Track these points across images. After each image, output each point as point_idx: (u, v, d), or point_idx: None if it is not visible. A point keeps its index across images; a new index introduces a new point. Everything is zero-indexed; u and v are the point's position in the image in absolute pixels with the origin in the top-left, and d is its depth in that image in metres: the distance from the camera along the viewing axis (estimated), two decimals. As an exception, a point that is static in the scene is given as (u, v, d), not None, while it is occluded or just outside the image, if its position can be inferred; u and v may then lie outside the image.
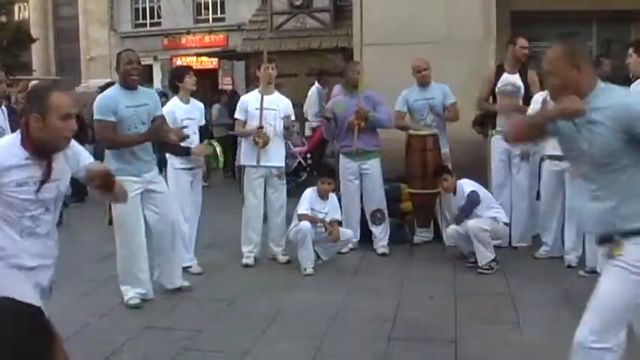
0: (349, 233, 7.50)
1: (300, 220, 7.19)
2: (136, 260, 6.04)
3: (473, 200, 7.03)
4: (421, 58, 7.91)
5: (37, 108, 3.39)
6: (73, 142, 3.64)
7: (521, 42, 7.78)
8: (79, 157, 3.73)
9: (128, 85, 6.01)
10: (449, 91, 7.89)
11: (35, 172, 3.45)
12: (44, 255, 3.63)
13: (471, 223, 6.93)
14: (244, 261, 7.38)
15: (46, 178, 3.47)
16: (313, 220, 7.19)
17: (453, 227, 7.25)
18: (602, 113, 3.21)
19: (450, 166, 7.62)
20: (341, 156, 7.97)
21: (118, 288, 6.14)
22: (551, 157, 7.24)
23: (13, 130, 5.58)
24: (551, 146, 7.15)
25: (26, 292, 3.27)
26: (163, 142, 6.45)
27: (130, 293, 5.99)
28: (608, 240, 3.31)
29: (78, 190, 11.85)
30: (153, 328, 5.49)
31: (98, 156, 5.42)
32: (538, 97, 6.98)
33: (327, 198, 7.39)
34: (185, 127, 6.62)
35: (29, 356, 1.17)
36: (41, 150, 3.45)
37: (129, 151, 5.96)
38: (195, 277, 6.84)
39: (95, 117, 5.99)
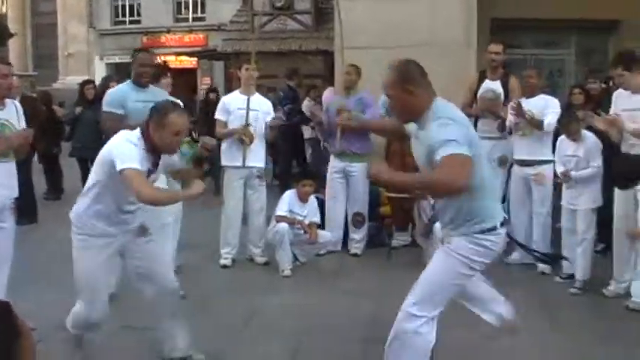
0: (327, 235, 7.50)
1: (278, 221, 7.18)
2: None
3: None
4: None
5: (156, 122, 4.18)
6: None
7: (491, 47, 7.80)
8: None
9: (140, 83, 6.22)
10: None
11: (147, 163, 4.22)
12: (132, 221, 4.47)
13: (437, 226, 6.91)
14: (222, 262, 7.37)
15: (154, 168, 4.33)
16: (291, 222, 7.18)
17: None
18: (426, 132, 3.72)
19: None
20: (331, 156, 7.99)
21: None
22: (520, 163, 7.30)
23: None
24: (524, 151, 7.24)
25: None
26: None
27: None
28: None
29: (54, 187, 11.77)
30: (129, 327, 5.44)
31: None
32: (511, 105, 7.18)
33: (307, 201, 7.39)
34: None
35: None
36: (156, 149, 4.25)
37: None
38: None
39: (104, 109, 6.27)
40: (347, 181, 7.90)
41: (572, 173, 6.56)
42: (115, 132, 6.05)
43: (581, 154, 6.59)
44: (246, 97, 7.33)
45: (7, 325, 1.21)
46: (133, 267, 4.52)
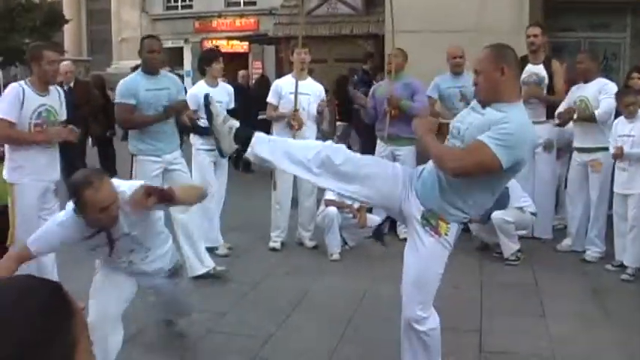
0: (377, 219, 7.50)
1: (327, 205, 7.20)
2: None
3: (501, 203, 6.91)
4: (458, 46, 7.86)
5: (76, 205, 3.64)
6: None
7: (529, 30, 7.66)
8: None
9: (149, 70, 6.24)
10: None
11: (100, 240, 3.85)
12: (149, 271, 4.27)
13: (495, 214, 6.87)
14: (271, 245, 7.43)
15: (112, 243, 3.90)
16: (341, 206, 7.19)
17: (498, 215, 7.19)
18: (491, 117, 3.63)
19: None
20: (378, 139, 7.98)
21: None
22: (578, 150, 7.19)
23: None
24: (580, 138, 7.13)
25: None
26: (186, 123, 6.74)
27: None
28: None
29: (107, 169, 11.96)
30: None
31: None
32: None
33: None
34: (195, 110, 6.80)
35: (47, 329, 1.18)
36: (97, 227, 3.79)
37: (149, 133, 6.19)
38: (222, 259, 6.88)
39: (116, 100, 6.29)
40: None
41: (626, 149, 6.42)
42: (128, 123, 6.26)
43: (635, 133, 6.45)
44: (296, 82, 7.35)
45: (62, 304, 1.24)
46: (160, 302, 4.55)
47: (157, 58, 6.27)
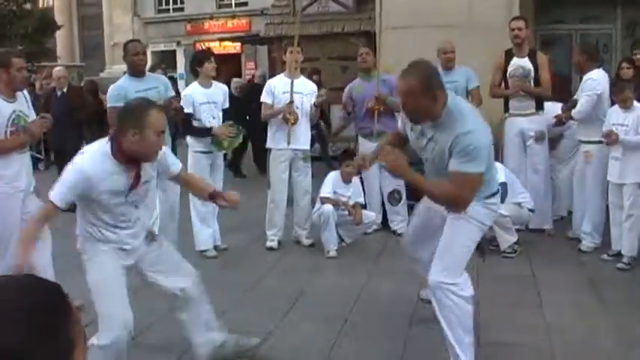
0: (372, 215, 7.54)
1: (322, 203, 7.22)
2: None
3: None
4: (448, 41, 7.86)
5: (134, 124, 3.70)
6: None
7: (512, 24, 7.63)
8: (167, 160, 4.16)
9: (136, 73, 6.46)
10: (473, 74, 7.84)
11: (125, 179, 3.84)
12: (137, 235, 4.12)
13: None
14: (268, 244, 7.44)
15: (135, 184, 3.90)
16: (336, 203, 7.22)
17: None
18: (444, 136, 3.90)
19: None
20: (360, 138, 8.00)
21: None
22: (580, 141, 7.27)
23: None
24: (578, 132, 7.21)
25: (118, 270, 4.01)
26: (185, 124, 6.94)
27: None
28: None
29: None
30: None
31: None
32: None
33: (351, 182, 7.42)
34: (191, 113, 6.96)
35: (45, 326, 1.19)
36: (133, 160, 3.83)
37: None
38: (219, 259, 6.93)
39: (108, 105, 6.52)
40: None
41: (621, 136, 6.45)
42: None
43: (629, 122, 6.48)
44: (290, 81, 7.37)
45: (62, 303, 1.26)
46: (155, 273, 4.30)
47: (142, 60, 6.49)
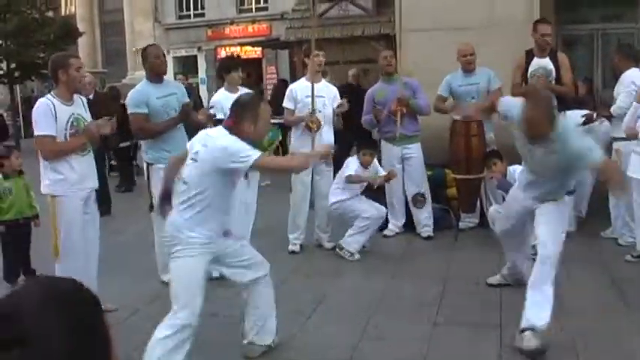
0: (382, 210, 7.49)
1: (348, 181, 7.26)
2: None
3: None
4: (467, 43, 7.85)
5: (251, 116, 4.30)
6: None
7: (542, 29, 7.59)
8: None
9: (156, 78, 6.42)
10: (494, 75, 7.82)
11: None
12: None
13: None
14: (291, 248, 7.47)
15: None
16: (361, 181, 7.30)
17: (493, 208, 7.23)
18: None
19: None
20: (383, 142, 7.98)
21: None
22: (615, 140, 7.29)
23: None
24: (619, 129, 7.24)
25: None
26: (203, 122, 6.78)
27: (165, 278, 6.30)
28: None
29: (126, 179, 12.08)
30: (199, 314, 5.58)
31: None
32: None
33: (369, 166, 7.46)
34: (211, 107, 6.89)
35: (87, 327, 1.24)
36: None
37: (161, 142, 6.31)
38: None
39: (129, 111, 6.44)
40: (403, 164, 7.90)
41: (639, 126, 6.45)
42: (143, 132, 6.35)
43: None
44: (311, 85, 7.40)
45: (97, 302, 1.31)
46: (232, 266, 4.59)
47: (164, 63, 6.53)
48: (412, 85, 7.76)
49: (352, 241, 7.17)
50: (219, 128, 4.40)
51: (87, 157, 5.52)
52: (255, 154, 4.13)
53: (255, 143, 4.30)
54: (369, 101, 8.00)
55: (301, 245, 7.54)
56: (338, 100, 7.64)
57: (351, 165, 7.40)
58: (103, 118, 5.67)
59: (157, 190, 5.83)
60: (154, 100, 6.23)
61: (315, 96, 7.31)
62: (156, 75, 6.45)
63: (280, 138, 7.33)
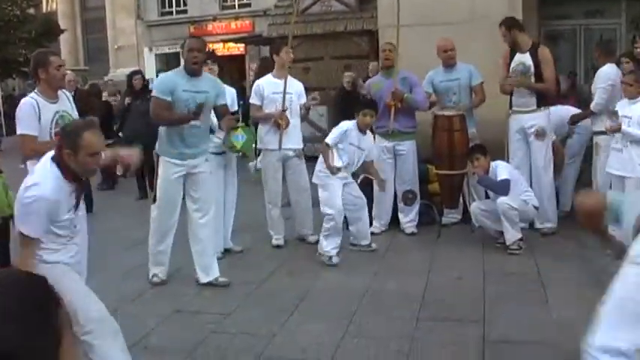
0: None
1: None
2: (164, 239, 6.24)
3: (502, 188, 6.90)
4: (447, 38, 7.84)
5: (70, 145, 3.78)
6: None
7: (501, 29, 7.64)
8: None
9: (189, 70, 6.10)
10: (475, 71, 7.81)
11: (72, 198, 3.94)
12: (82, 245, 4.26)
13: (500, 200, 6.86)
14: (274, 242, 7.47)
15: (78, 202, 4.03)
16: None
17: (476, 204, 7.25)
18: None
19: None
20: (377, 136, 7.89)
21: (147, 274, 6.27)
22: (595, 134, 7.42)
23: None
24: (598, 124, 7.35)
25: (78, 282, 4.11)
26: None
27: (155, 270, 6.30)
28: None
29: (108, 177, 11.99)
30: (181, 312, 5.55)
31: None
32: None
33: (366, 133, 7.17)
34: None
35: (35, 323, 1.20)
36: (77, 178, 3.92)
37: (177, 136, 6.07)
38: (224, 260, 6.89)
39: (153, 94, 6.23)
40: (395, 160, 7.85)
41: (623, 127, 6.48)
42: (157, 117, 6.14)
43: (633, 115, 6.50)
44: (280, 81, 7.34)
45: (51, 294, 1.27)
46: None
47: (197, 57, 6.07)
48: (411, 80, 7.71)
49: (327, 245, 6.88)
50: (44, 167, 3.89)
51: None
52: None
53: (84, 173, 3.98)
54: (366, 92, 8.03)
55: (285, 240, 7.55)
56: (304, 97, 7.61)
57: (341, 130, 7.02)
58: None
59: (162, 182, 6.10)
60: (180, 91, 5.98)
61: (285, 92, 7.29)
62: (189, 69, 6.11)
63: (254, 138, 7.25)
